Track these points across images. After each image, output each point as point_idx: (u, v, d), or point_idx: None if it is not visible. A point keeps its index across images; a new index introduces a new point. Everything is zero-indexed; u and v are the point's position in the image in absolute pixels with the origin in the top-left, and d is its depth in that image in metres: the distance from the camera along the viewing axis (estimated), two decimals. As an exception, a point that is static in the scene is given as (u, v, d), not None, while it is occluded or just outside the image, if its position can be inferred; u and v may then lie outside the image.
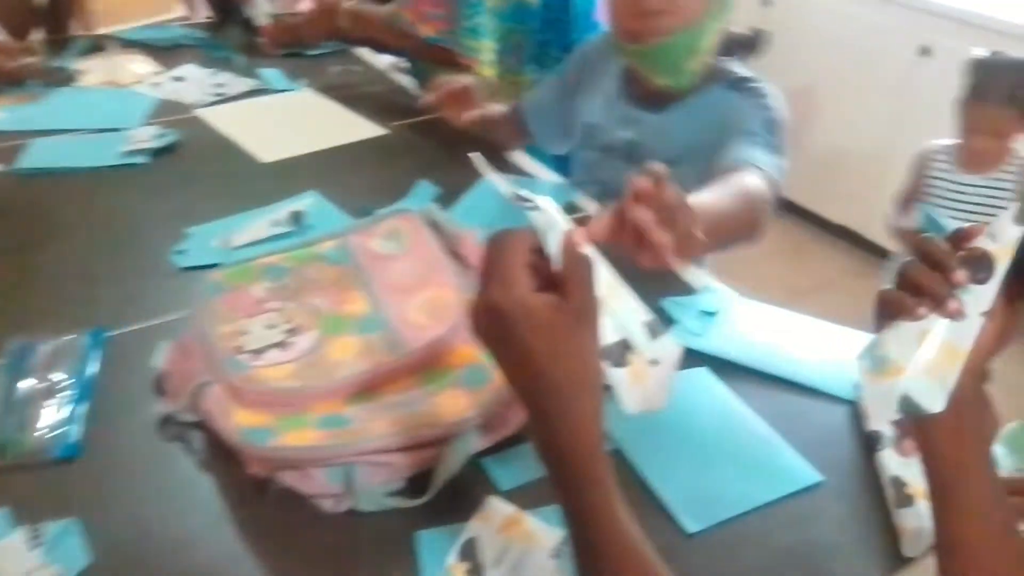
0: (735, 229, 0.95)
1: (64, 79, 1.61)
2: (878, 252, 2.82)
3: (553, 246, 0.55)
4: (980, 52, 1.59)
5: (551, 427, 0.53)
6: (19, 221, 1.19)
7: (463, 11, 1.38)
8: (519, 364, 0.52)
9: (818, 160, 2.95)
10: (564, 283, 0.54)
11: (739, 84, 1.12)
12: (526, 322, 0.51)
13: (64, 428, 0.81)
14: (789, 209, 3.04)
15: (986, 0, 2.55)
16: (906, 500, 0.73)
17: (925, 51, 2.55)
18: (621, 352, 0.58)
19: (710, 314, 1.00)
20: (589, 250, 0.56)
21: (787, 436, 0.82)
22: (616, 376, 0.58)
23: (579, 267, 0.54)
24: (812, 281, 2.78)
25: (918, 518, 0.70)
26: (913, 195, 2.15)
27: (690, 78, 1.12)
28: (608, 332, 0.57)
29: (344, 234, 0.95)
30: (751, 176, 0.99)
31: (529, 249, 0.55)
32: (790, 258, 2.88)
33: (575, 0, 1.46)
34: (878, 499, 0.75)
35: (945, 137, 2.11)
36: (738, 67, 1.16)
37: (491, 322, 0.52)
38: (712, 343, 0.94)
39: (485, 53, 1.39)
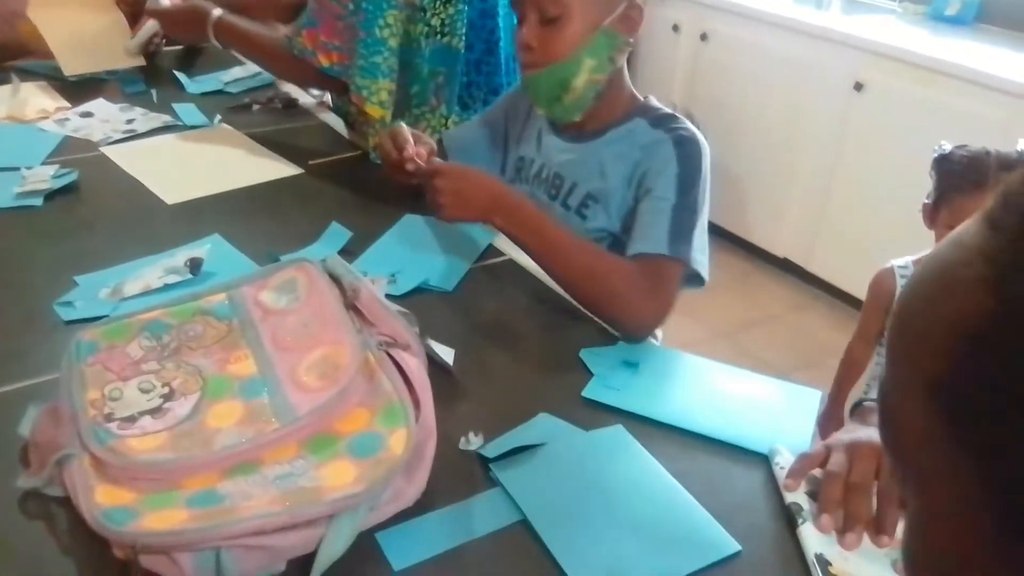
0: (570, 273, 1.04)
1: (-38, 114, 1.52)
2: (820, 284, 2.84)
3: None
4: (945, 146, 1.53)
5: None
6: None
7: (361, 48, 1.33)
8: None
9: (758, 194, 2.96)
10: None
11: (661, 121, 1.10)
12: None
13: (-93, 508, 0.72)
14: (732, 240, 3.05)
15: (916, 38, 2.60)
16: None
17: (859, 86, 2.58)
18: None
19: (631, 365, 0.96)
20: None
21: (705, 500, 0.77)
22: None
23: None
24: (759, 313, 2.78)
25: None
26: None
27: (570, 111, 1.12)
28: None
29: (235, 286, 0.88)
30: (626, 264, 1.02)
31: None
32: (737, 290, 2.88)
33: (502, 45, 1.43)
34: (796, 571, 0.71)
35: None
36: (660, 105, 1.14)
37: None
38: (630, 399, 0.89)
39: (380, 93, 1.34)
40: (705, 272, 1.05)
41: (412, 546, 0.71)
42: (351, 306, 0.84)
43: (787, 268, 2.96)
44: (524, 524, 0.74)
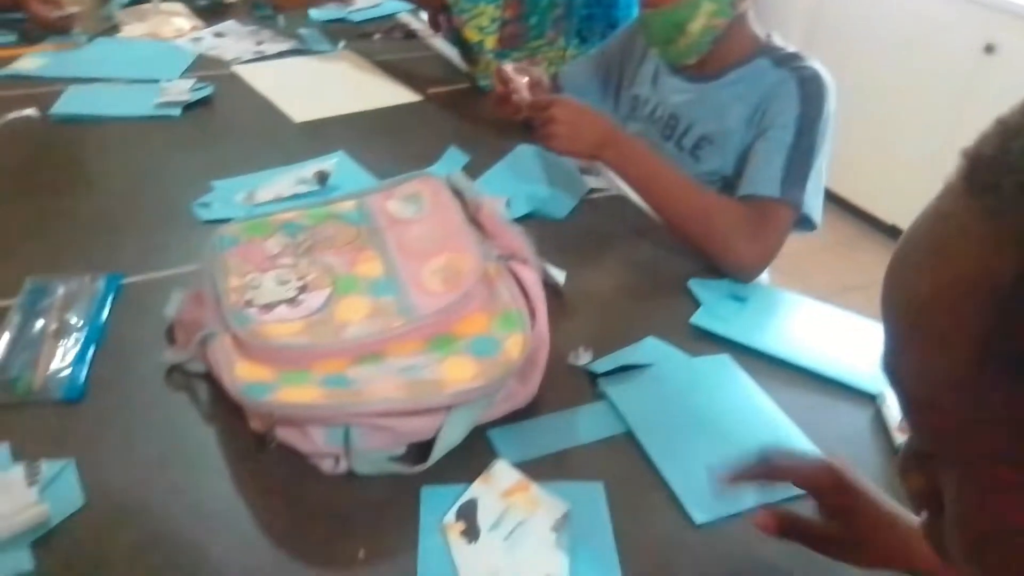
0: (676, 212, 1.05)
1: (106, 30, 1.61)
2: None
3: None
4: None
5: None
6: (49, 165, 1.19)
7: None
8: None
9: (873, 157, 2.85)
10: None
11: (785, 60, 1.08)
12: None
13: (71, 370, 0.80)
14: (840, 204, 2.96)
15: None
16: None
17: (990, 49, 2.44)
18: None
19: (739, 299, 0.96)
20: None
21: (808, 432, 0.78)
22: None
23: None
24: (860, 278, 2.69)
25: None
26: None
27: (684, 54, 1.11)
28: None
29: (363, 195, 0.93)
30: (734, 205, 1.02)
31: None
32: (839, 254, 2.79)
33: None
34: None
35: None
36: (784, 43, 1.12)
37: None
38: (737, 330, 0.90)
39: (480, 18, 1.34)
40: (818, 217, 1.04)
41: (522, 444, 0.74)
42: (472, 219, 0.87)
43: (894, 235, 2.86)
44: (629, 437, 0.76)
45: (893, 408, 0.80)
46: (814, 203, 1.03)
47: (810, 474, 0.58)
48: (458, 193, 0.91)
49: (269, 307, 0.79)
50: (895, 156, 2.79)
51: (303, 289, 0.81)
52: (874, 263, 2.79)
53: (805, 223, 1.05)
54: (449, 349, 0.76)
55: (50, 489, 0.67)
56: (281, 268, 0.83)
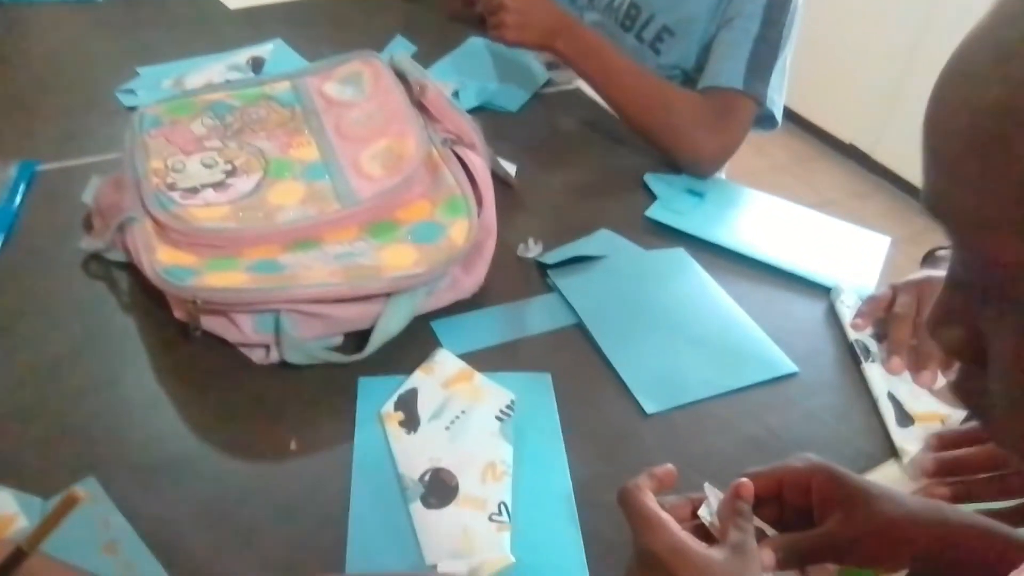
0: (632, 102, 0.98)
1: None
2: (884, 173, 2.73)
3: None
4: None
5: None
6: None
7: None
8: None
9: (831, 73, 2.81)
10: (723, 527, 0.48)
11: None
12: (681, 562, 0.45)
13: (-22, 259, 0.74)
14: (796, 122, 2.93)
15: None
16: (907, 420, 0.67)
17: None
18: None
19: (696, 194, 0.93)
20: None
21: (763, 325, 0.75)
22: None
23: (741, 520, 0.48)
24: (816, 198, 2.69)
25: (917, 441, 0.65)
26: None
27: None
28: None
29: (298, 75, 0.86)
30: (693, 96, 0.98)
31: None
32: (795, 173, 2.78)
33: None
34: (852, 400, 0.70)
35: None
36: None
37: (646, 569, 0.46)
38: (693, 224, 0.87)
39: None
40: (779, 113, 1.00)
41: (467, 335, 0.71)
42: (417, 103, 0.82)
43: (850, 154, 2.85)
44: (579, 329, 0.73)
45: (847, 302, 0.78)
46: (777, 100, 0.99)
47: (798, 472, 0.53)
48: (401, 76, 0.84)
49: (194, 191, 0.73)
50: (853, 73, 2.75)
51: (231, 173, 0.75)
52: (831, 183, 2.79)
53: (766, 121, 1.01)
54: (389, 236, 0.71)
55: None
56: (207, 151, 0.77)
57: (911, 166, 2.62)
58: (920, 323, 0.72)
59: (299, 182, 0.75)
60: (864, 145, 2.80)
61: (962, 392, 0.35)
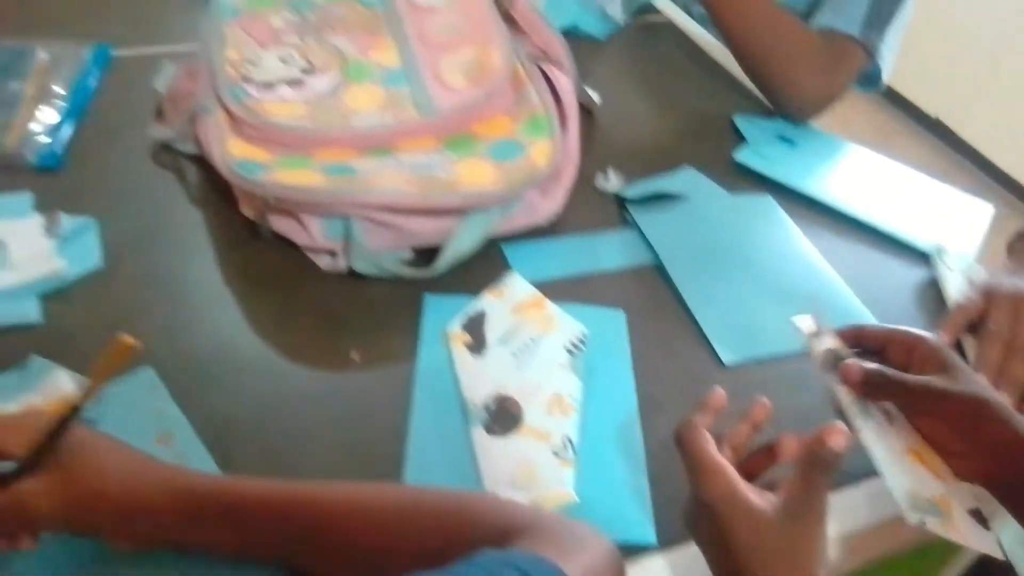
0: (745, 25, 0.90)
1: None
2: (969, 154, 2.59)
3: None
4: None
5: None
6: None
7: None
8: (723, 557, 0.43)
9: (921, 43, 2.66)
10: (789, 482, 0.44)
11: None
12: (731, 512, 0.43)
13: (50, 137, 0.72)
14: (883, 94, 2.78)
15: None
16: None
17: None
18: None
19: (788, 141, 0.87)
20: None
21: (854, 286, 0.71)
22: None
23: (815, 473, 0.43)
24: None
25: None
26: None
27: None
28: None
29: (385, -23, 0.82)
30: (809, 33, 0.89)
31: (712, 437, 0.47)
32: (874, 146, 2.65)
33: None
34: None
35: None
36: None
37: (700, 516, 0.44)
38: (783, 171, 0.81)
39: None
40: (887, 74, 0.93)
41: (539, 262, 0.67)
42: (505, 14, 0.77)
43: (936, 130, 2.71)
44: (655, 270, 0.69)
45: (951, 265, 0.72)
46: (888, 57, 0.91)
47: (907, 333, 0.50)
48: (491, -16, 0.80)
49: (269, 86, 0.70)
50: (945, 45, 2.59)
51: (308, 71, 0.72)
52: (913, 158, 2.66)
53: (871, 80, 0.93)
54: (467, 151, 0.67)
55: (70, 244, 0.62)
56: (285, 46, 0.74)
57: (1000, 147, 2.49)
58: (1016, 346, 0.65)
59: (378, 87, 0.71)
60: (952, 122, 2.65)
61: None
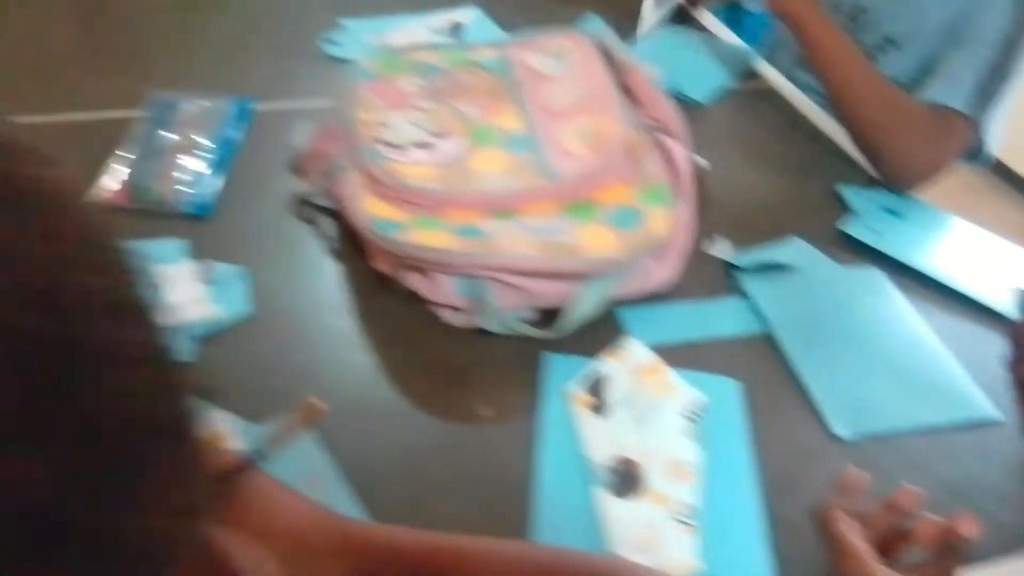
0: (853, 93, 0.93)
1: None
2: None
3: None
4: None
5: None
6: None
7: None
8: None
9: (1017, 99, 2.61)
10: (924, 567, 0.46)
11: None
12: None
13: (199, 186, 0.78)
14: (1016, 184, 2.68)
15: None
16: None
17: None
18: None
19: (893, 213, 0.88)
20: None
21: (965, 363, 0.71)
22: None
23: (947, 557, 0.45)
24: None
25: None
26: None
27: None
28: None
29: (505, 45, 0.86)
30: (915, 104, 0.91)
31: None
32: (979, 221, 2.59)
33: None
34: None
35: None
36: None
37: None
38: (890, 244, 0.82)
39: None
40: (993, 148, 0.93)
41: (652, 327, 0.70)
42: (621, 84, 0.81)
43: None
44: (766, 339, 0.71)
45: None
46: (994, 132, 0.92)
47: None
48: (607, 55, 0.83)
49: (401, 148, 0.74)
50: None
51: (438, 135, 0.76)
52: (1000, 217, 2.59)
53: (975, 155, 0.94)
54: (587, 216, 0.71)
55: (223, 290, 0.67)
56: (415, 109, 0.78)
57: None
58: None
59: (501, 151, 0.75)
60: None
61: None
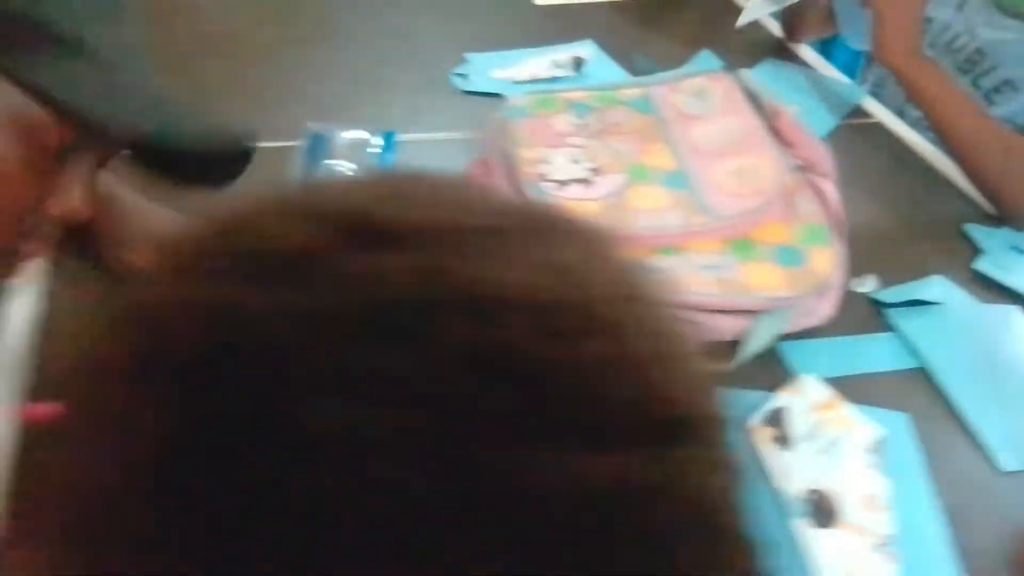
0: (968, 137, 0.95)
1: None
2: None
3: None
4: None
5: None
6: (312, 11, 1.20)
7: None
8: None
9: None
10: None
11: None
12: None
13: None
14: None
15: None
16: None
17: None
18: None
19: (1022, 252, 0.90)
20: None
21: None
22: None
23: None
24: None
25: None
26: None
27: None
28: None
29: (648, 84, 0.90)
30: None
31: None
32: None
33: None
34: None
35: None
36: None
37: None
38: (1020, 281, 0.85)
39: None
40: None
41: (815, 362, 0.72)
42: (770, 126, 0.84)
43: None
44: (921, 373, 0.74)
45: None
46: None
47: None
48: (752, 96, 0.87)
49: (562, 184, 0.78)
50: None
51: (596, 171, 0.79)
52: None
53: None
54: (750, 254, 0.74)
55: None
56: (572, 147, 0.82)
57: None
58: None
59: (659, 188, 0.78)
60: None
61: None
